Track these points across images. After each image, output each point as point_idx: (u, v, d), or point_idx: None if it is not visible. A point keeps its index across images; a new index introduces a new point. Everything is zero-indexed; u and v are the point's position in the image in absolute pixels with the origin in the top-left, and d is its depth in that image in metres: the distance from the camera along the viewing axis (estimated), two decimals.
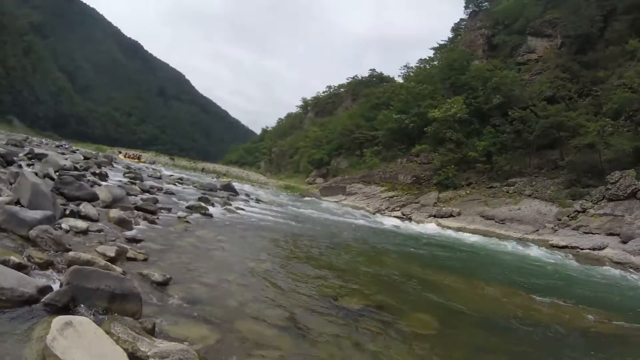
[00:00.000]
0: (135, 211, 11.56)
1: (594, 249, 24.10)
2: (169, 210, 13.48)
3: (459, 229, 31.08)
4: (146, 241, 9.01)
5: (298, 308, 6.80)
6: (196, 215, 14.16)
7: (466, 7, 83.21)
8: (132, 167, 33.35)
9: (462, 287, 11.17)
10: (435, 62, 71.93)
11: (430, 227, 29.69)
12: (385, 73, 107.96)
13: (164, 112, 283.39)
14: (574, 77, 44.47)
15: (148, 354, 3.80)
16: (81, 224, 8.38)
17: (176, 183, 26.27)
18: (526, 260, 19.14)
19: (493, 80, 47.14)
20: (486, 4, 77.55)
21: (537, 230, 30.03)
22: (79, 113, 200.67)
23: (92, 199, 10.79)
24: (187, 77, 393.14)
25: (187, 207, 15.03)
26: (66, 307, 4.38)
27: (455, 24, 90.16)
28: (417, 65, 78.43)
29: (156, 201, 14.21)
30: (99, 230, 8.67)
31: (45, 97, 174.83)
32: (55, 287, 4.87)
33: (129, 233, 9.29)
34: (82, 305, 4.52)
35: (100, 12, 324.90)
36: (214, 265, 8.39)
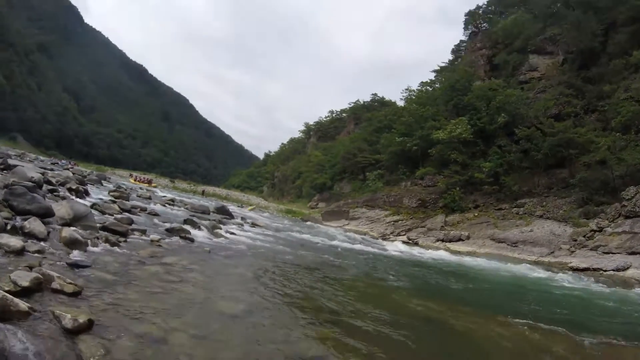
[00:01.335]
0: (100, 231, 10.21)
1: (617, 270, 22.33)
2: (143, 232, 11.99)
3: (469, 254, 29.43)
4: (94, 268, 7.46)
5: None
6: (175, 238, 12.67)
7: (465, 29, 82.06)
8: (123, 186, 31.59)
9: (489, 330, 9.02)
10: (437, 85, 71.00)
11: (439, 253, 27.42)
12: (387, 97, 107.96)
13: (168, 135, 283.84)
14: (579, 93, 43.02)
15: None
16: (15, 242, 6.96)
17: (166, 204, 24.79)
18: (551, 288, 16.74)
19: (497, 99, 45.93)
20: (485, 24, 76.63)
21: (553, 252, 28.30)
22: (83, 133, 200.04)
23: (46, 214, 9.38)
24: (191, 101, 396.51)
25: (167, 230, 13.58)
26: None
27: (455, 45, 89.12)
28: (419, 88, 77.64)
29: (131, 222, 12.82)
30: (38, 252, 7.29)
31: (50, 116, 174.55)
32: None
33: (74, 256, 7.79)
34: None
35: (106, 35, 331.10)
36: (168, 306, 6.59)
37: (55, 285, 5.85)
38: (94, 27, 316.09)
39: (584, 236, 28.35)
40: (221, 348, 5.62)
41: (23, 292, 5.31)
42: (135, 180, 61.88)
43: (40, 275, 5.78)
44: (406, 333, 7.70)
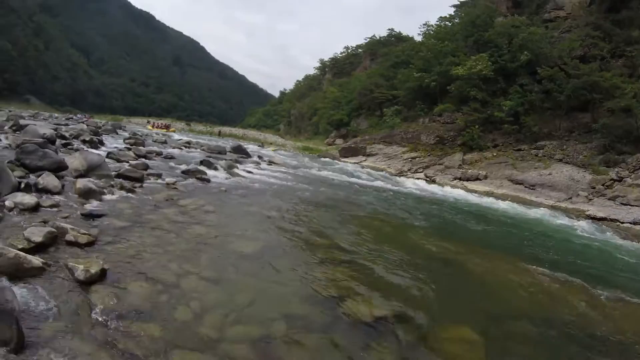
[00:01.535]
0: (115, 179, 10.17)
1: (635, 223, 22.01)
2: (159, 176, 11.99)
3: (486, 193, 29.21)
4: (109, 216, 7.44)
5: (283, 321, 4.95)
6: (191, 180, 12.66)
7: None
8: (139, 133, 31.44)
9: (507, 276, 8.85)
10: (456, 20, 68.54)
11: (456, 192, 27.04)
12: (404, 33, 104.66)
13: (181, 79, 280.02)
14: (606, 36, 41.34)
15: None
16: (29, 199, 6.98)
17: (182, 147, 24.79)
18: (571, 236, 16.31)
19: (520, 36, 44.40)
20: None
21: (570, 198, 27.98)
22: (95, 86, 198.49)
23: (59, 168, 9.35)
24: (201, 44, 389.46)
25: (183, 172, 13.61)
26: None
27: None
28: (438, 23, 74.48)
29: (146, 167, 12.80)
30: (53, 206, 7.32)
31: (61, 73, 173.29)
32: None
33: (89, 206, 7.76)
34: None
35: None
36: (182, 250, 6.54)
37: (69, 237, 5.81)
38: None
39: (603, 184, 27.93)
40: (235, 290, 5.64)
41: (37, 248, 5.30)
42: (152, 126, 61.36)
43: (53, 229, 5.73)
44: (422, 275, 7.68)
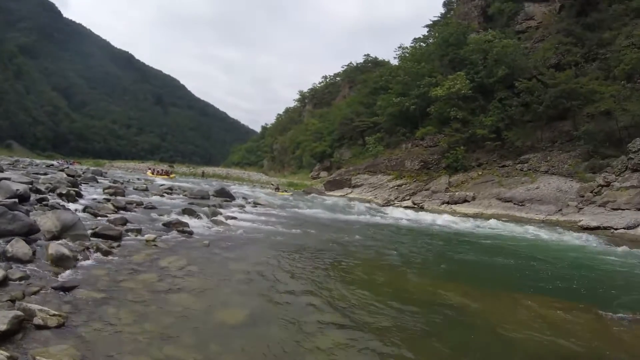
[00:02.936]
0: (92, 239, 9.63)
1: (628, 228, 22.01)
2: (139, 231, 11.42)
3: (476, 215, 29.06)
4: (83, 286, 6.88)
5: None
6: (172, 234, 12.12)
7: None
8: (120, 180, 30.81)
9: (513, 315, 8.32)
10: (430, 40, 69.25)
11: (446, 218, 26.16)
12: (380, 57, 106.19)
13: (163, 119, 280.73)
14: (579, 40, 42.05)
15: None
16: None
17: (164, 194, 24.11)
18: (567, 254, 15.96)
19: (494, 51, 44.98)
20: None
21: (561, 209, 27.94)
22: (77, 130, 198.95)
23: (30, 231, 8.65)
24: (181, 82, 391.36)
25: (164, 225, 13.00)
26: None
27: None
28: (412, 45, 75.98)
29: (125, 221, 12.23)
30: (23, 278, 6.70)
31: (42, 117, 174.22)
32: None
33: (62, 277, 7.23)
34: None
35: (88, 27, 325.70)
36: (162, 327, 5.91)
37: (37, 320, 5.32)
38: (74, 20, 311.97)
39: (592, 191, 27.97)
40: None
41: (2, 337, 4.81)
42: (153, 173, 59.74)
43: (20, 312, 5.25)
44: (423, 327, 7.15)
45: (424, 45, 70.54)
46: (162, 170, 64.16)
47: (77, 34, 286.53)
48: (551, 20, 48.66)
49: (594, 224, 23.57)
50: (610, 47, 38.61)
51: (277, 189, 45.43)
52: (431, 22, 79.64)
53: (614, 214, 24.31)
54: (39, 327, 5.25)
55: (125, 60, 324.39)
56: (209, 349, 5.58)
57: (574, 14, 44.82)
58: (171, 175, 58.10)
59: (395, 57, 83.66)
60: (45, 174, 27.52)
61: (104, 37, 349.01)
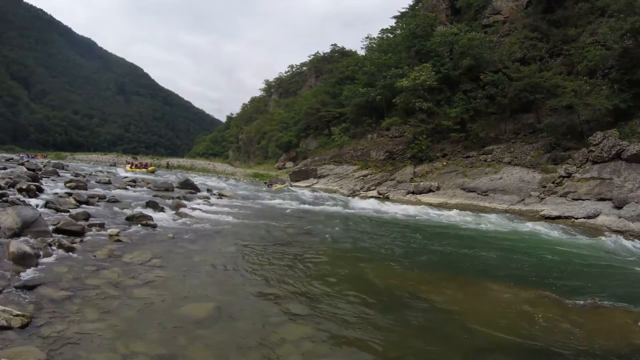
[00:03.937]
0: (54, 235, 9.40)
1: (588, 218, 22.50)
2: (102, 226, 11.22)
3: (440, 205, 29.25)
4: (46, 285, 6.70)
5: None
6: (135, 228, 11.93)
7: None
8: (82, 173, 29.96)
9: (473, 300, 8.60)
10: (398, 31, 69.07)
11: (410, 208, 26.42)
12: (348, 47, 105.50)
13: (126, 109, 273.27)
14: (544, 36, 42.59)
15: None
16: None
17: (127, 186, 23.64)
18: (529, 242, 16.30)
19: (460, 43, 45.18)
20: None
21: (523, 199, 28.34)
22: (38, 121, 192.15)
23: None
24: (145, 70, 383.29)
25: (127, 219, 12.75)
26: None
27: None
28: (379, 35, 75.93)
29: (87, 216, 11.98)
30: None
31: (1, 108, 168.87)
32: None
33: (24, 276, 6.97)
34: None
35: (49, 12, 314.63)
36: (128, 323, 5.79)
37: (1, 321, 5.11)
38: (34, 5, 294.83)
39: (553, 182, 28.47)
40: None
41: None
42: (131, 167, 55.94)
43: None
44: (386, 315, 7.26)
45: (391, 36, 70.62)
46: (141, 163, 61.64)
47: (38, 19, 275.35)
48: (518, 15, 49.04)
49: (555, 213, 23.99)
50: (574, 43, 39.14)
51: (270, 185, 44.08)
52: (399, 14, 79.70)
53: (574, 204, 24.78)
54: (3, 328, 5.07)
55: (88, 47, 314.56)
56: (175, 343, 5.46)
57: (540, 10, 45.32)
58: (150, 169, 56.01)
59: (362, 48, 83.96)
60: (4, 168, 26.77)
61: (65, 24, 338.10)
